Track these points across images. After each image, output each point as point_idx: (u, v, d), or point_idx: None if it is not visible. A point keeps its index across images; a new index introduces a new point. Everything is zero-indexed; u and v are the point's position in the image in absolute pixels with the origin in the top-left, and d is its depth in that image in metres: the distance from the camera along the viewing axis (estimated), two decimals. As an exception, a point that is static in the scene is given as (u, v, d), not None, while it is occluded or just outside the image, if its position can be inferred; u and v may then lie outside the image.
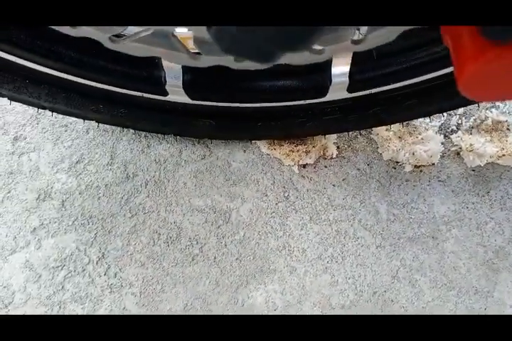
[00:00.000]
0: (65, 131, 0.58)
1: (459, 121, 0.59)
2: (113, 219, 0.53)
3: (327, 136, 0.56)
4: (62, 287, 0.49)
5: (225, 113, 0.48)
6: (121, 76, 0.43)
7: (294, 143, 0.55)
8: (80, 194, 0.54)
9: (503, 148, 0.56)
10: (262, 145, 0.56)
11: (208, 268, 0.51)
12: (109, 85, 0.44)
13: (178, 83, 0.44)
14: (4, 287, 0.50)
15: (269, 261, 0.52)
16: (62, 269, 0.50)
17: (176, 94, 0.45)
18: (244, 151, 0.57)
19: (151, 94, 0.45)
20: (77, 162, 0.56)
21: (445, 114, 0.57)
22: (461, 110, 0.60)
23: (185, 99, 0.45)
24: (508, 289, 0.52)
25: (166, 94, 0.45)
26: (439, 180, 0.57)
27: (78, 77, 0.44)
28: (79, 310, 0.49)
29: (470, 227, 0.54)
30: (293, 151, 0.55)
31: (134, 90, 0.45)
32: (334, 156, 0.57)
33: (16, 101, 0.47)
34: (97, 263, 0.51)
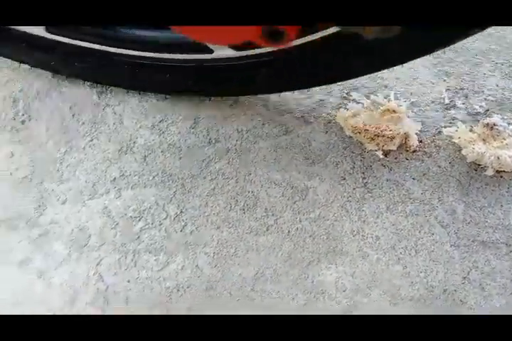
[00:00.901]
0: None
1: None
2: (193, 179, 0.54)
3: (408, 126, 0.57)
4: (138, 237, 0.50)
5: None
6: None
7: (379, 128, 0.56)
8: (161, 152, 0.55)
9: None
10: (347, 128, 0.57)
11: (281, 240, 0.51)
12: None
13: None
14: (80, 229, 0.50)
15: (342, 243, 0.52)
16: (139, 220, 0.51)
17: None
18: (326, 132, 0.58)
19: None
20: (160, 121, 0.58)
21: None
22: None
23: None
24: None
25: None
26: (519, 189, 0.57)
27: None
28: (152, 261, 0.49)
29: (545, 239, 0.54)
30: (378, 136, 0.55)
31: None
32: (416, 149, 0.58)
33: None
34: (174, 219, 0.51)
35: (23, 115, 0.56)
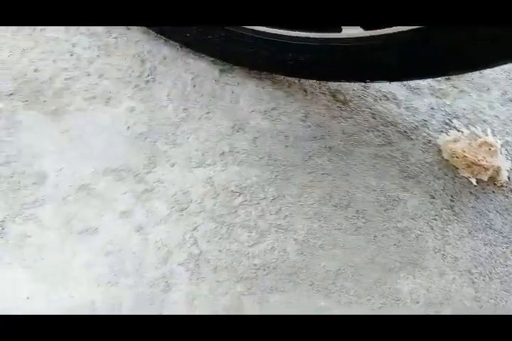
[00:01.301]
0: (267, 78, 0.62)
1: None
2: (294, 168, 0.56)
3: (501, 161, 0.60)
4: (236, 211, 0.52)
5: None
6: None
7: (477, 157, 0.59)
8: (270, 137, 0.58)
9: None
10: (445, 151, 0.60)
11: (367, 243, 0.53)
12: None
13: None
14: (184, 193, 0.52)
15: (423, 258, 0.54)
16: (239, 195, 0.53)
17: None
18: (424, 151, 0.61)
19: None
20: (273, 108, 0.60)
21: None
22: None
23: None
24: None
25: None
26: None
27: None
28: (245, 236, 0.51)
29: None
30: (474, 164, 0.58)
31: None
32: (503, 184, 0.60)
33: None
34: (271, 201, 0.53)
35: (148, 75, 0.59)
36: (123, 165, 0.53)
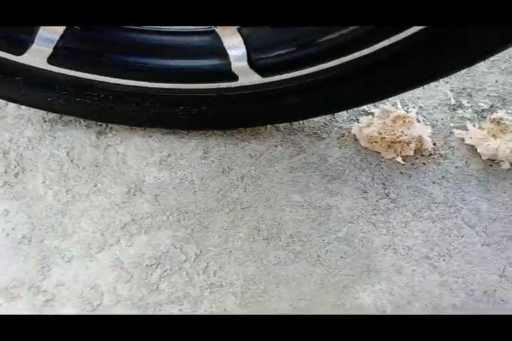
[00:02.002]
0: (150, 123, 0.57)
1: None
2: (210, 214, 0.52)
3: (420, 130, 0.57)
4: (157, 287, 0.48)
5: None
6: None
7: (395, 134, 0.55)
8: (173, 188, 0.53)
9: None
10: (362, 139, 0.57)
11: (311, 266, 0.50)
12: None
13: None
14: (92, 288, 0.48)
15: (375, 260, 0.51)
16: (156, 268, 0.49)
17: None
18: (341, 147, 0.57)
19: None
20: (168, 155, 0.55)
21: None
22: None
23: None
24: None
25: None
26: (537, 178, 0.58)
27: None
28: (176, 312, 0.47)
29: None
30: (395, 142, 0.55)
31: None
32: (431, 152, 0.57)
33: None
34: (194, 260, 0.49)
35: (15, 167, 0.53)
36: (12, 280, 0.47)
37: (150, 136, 0.56)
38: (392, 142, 0.55)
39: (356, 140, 0.57)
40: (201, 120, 0.53)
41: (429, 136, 0.58)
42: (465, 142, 0.58)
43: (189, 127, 0.55)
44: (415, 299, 0.50)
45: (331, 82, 0.47)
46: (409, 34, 0.42)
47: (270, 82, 0.47)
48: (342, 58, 0.44)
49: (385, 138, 0.55)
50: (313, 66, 0.45)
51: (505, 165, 0.58)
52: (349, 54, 0.44)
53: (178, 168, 0.54)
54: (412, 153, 0.56)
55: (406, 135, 0.56)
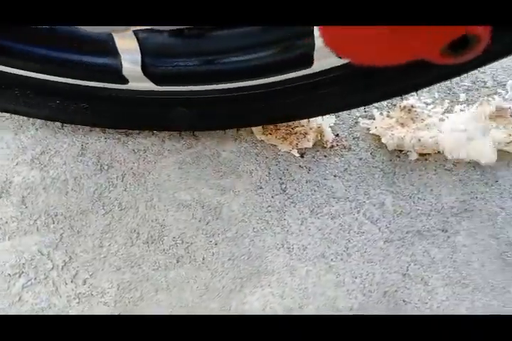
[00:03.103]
0: (28, 119, 0.53)
1: (462, 108, 0.59)
2: (83, 216, 0.48)
3: (321, 120, 0.55)
4: (20, 298, 0.44)
5: None
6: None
7: (290, 125, 0.53)
8: (44, 189, 0.49)
9: (510, 134, 0.56)
10: (257, 131, 0.54)
11: (195, 270, 0.47)
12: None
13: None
14: None
15: (267, 261, 0.48)
16: (20, 277, 0.45)
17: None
18: (236, 140, 0.55)
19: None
20: (41, 153, 0.52)
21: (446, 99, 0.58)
22: (463, 97, 0.60)
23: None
24: None
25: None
26: (446, 169, 0.56)
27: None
28: (40, 326, 0.43)
29: (481, 219, 0.53)
30: (290, 134, 0.53)
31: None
32: (332, 144, 0.55)
33: None
34: (62, 268, 0.46)
35: None
36: None
37: (23, 132, 0.52)
38: (287, 134, 0.53)
39: (252, 132, 0.55)
40: (97, 118, 0.50)
41: (332, 127, 0.56)
42: (370, 132, 0.57)
43: (86, 123, 0.52)
44: (308, 302, 0.47)
45: (222, 101, 0.45)
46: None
47: (163, 91, 0.44)
48: (236, 83, 0.42)
49: (279, 129, 0.53)
50: (210, 84, 0.43)
51: (413, 156, 0.56)
52: (244, 80, 0.42)
53: (51, 166, 0.51)
54: (310, 145, 0.54)
55: (303, 126, 0.54)
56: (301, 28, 0.38)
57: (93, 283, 0.45)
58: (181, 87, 0.44)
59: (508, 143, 0.58)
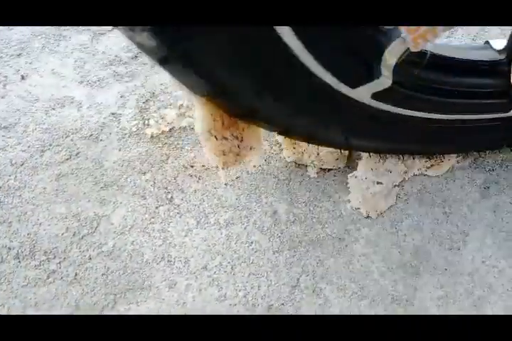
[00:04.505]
0: None
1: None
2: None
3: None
4: None
5: None
6: None
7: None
8: None
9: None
10: (145, 139, 0.55)
11: (66, 287, 0.47)
12: None
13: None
14: None
15: (144, 276, 0.48)
16: None
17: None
18: (120, 149, 0.55)
19: None
20: None
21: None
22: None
23: None
24: (431, 295, 0.50)
25: None
26: (346, 173, 0.56)
27: None
28: None
29: (383, 226, 0.53)
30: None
31: None
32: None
33: None
34: None
35: None
36: None
37: None
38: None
39: (138, 141, 0.55)
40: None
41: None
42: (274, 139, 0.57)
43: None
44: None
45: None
46: None
47: None
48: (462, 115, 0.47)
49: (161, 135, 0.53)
50: None
51: (312, 172, 0.57)
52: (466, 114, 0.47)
53: None
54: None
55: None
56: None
57: (-48, 304, 0.45)
58: None
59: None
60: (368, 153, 0.56)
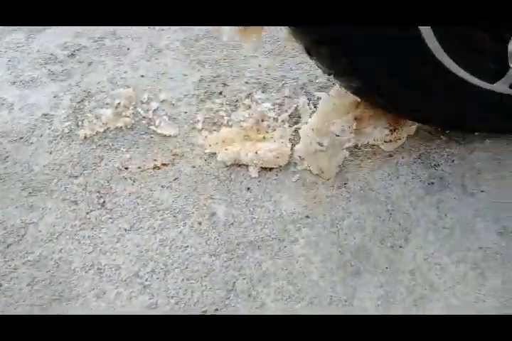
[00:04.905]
0: None
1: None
2: None
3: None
4: None
5: None
6: None
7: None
8: None
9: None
10: (74, 142, 0.53)
11: (-13, 300, 0.45)
12: None
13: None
14: None
15: (71, 285, 0.47)
16: None
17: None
18: (51, 152, 0.54)
19: None
20: None
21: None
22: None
23: None
24: (370, 295, 0.49)
25: None
26: (288, 173, 0.55)
27: None
28: None
29: (324, 225, 0.52)
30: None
31: None
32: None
33: None
34: None
35: None
36: None
37: None
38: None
39: (70, 143, 0.54)
40: None
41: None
42: (206, 151, 0.56)
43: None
44: (113, 328, 0.45)
45: None
46: None
47: None
48: None
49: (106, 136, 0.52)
50: None
51: (253, 172, 0.55)
52: None
53: None
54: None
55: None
56: None
57: None
58: None
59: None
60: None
